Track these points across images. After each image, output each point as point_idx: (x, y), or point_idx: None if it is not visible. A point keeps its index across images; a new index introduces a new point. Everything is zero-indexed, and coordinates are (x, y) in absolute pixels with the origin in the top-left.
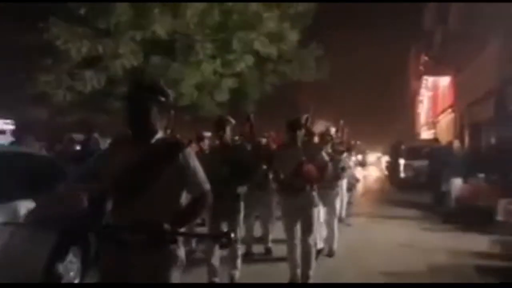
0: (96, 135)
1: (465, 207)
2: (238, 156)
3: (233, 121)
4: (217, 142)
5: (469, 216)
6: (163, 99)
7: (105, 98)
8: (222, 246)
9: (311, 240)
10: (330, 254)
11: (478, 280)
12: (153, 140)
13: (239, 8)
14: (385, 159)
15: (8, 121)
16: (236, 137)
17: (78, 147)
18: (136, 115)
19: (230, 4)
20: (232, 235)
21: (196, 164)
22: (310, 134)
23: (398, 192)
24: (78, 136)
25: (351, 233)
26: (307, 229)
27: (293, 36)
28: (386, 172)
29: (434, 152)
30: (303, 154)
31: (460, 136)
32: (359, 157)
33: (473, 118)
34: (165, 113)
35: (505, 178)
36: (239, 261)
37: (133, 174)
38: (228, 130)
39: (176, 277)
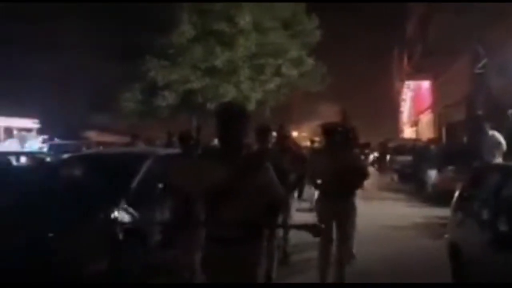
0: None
1: (437, 191)
2: (276, 162)
3: (272, 129)
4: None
5: (440, 197)
6: (247, 120)
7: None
8: (315, 235)
9: (350, 243)
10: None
11: (438, 228)
12: (242, 154)
13: (270, 40)
14: (373, 154)
15: (35, 120)
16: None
17: None
18: (229, 133)
19: (264, 39)
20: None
21: (274, 174)
22: (347, 139)
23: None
24: None
25: (362, 209)
26: (346, 234)
27: (309, 61)
28: (375, 165)
29: (416, 149)
30: (342, 160)
31: (438, 134)
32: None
33: (449, 119)
34: (247, 131)
35: (468, 169)
36: (275, 263)
37: (230, 182)
38: (270, 137)
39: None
